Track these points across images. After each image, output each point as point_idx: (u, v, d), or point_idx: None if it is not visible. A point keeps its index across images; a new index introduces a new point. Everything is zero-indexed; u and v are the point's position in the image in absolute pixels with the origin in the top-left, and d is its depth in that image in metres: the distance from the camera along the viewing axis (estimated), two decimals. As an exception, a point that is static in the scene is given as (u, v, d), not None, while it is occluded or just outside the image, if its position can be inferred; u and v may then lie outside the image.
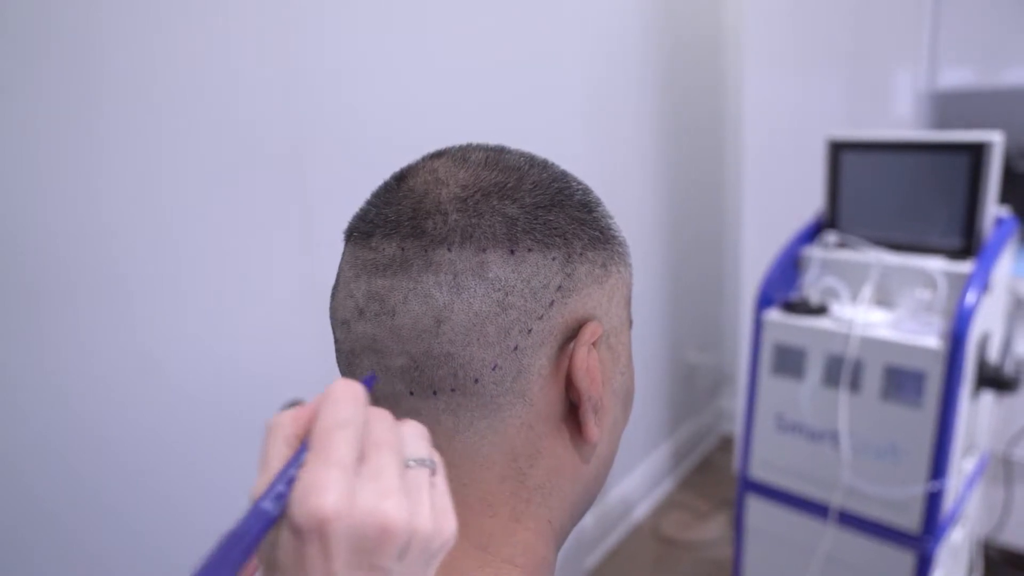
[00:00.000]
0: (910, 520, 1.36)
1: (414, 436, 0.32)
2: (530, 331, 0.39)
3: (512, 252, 0.39)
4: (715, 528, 2.32)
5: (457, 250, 0.38)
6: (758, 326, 1.54)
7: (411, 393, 0.39)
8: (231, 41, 1.11)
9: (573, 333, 0.41)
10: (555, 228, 0.40)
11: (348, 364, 0.42)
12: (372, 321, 0.39)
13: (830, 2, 2.02)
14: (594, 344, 0.41)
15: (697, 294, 2.68)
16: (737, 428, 2.47)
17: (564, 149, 1.84)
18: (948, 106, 2.08)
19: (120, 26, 0.98)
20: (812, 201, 1.73)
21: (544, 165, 0.43)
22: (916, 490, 1.34)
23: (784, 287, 1.58)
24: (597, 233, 0.42)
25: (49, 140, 0.93)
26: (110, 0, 0.96)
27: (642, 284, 2.24)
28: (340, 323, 0.42)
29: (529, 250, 0.39)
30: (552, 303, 0.40)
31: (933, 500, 1.32)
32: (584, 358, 0.40)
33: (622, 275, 0.45)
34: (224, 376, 1.16)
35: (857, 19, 1.99)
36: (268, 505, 0.28)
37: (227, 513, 0.34)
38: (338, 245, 0.44)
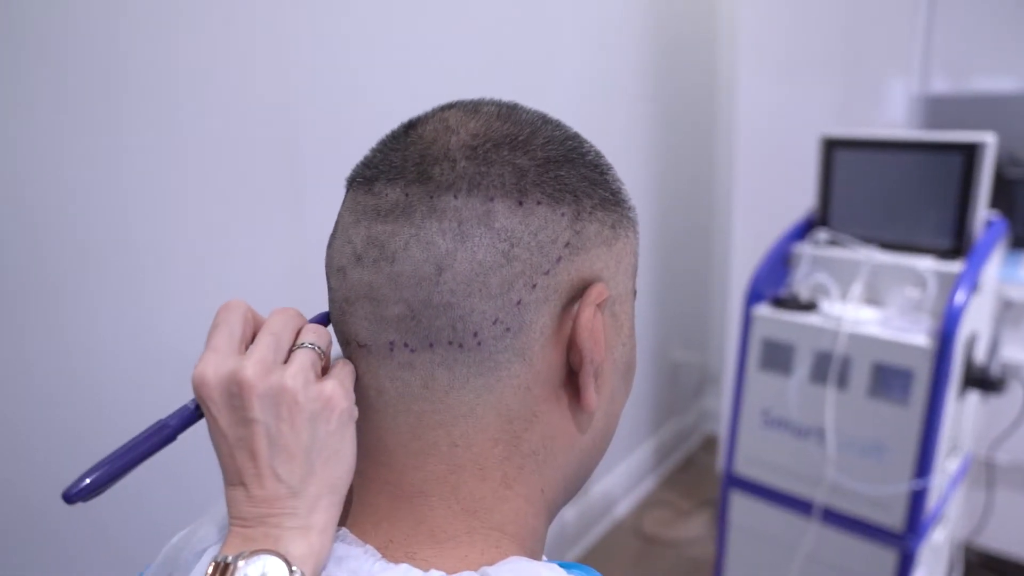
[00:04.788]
0: (893, 518, 1.36)
1: (307, 329, 0.41)
2: (535, 286, 0.38)
3: (520, 203, 0.37)
4: (696, 527, 2.32)
5: (464, 197, 0.37)
6: (747, 320, 1.53)
7: (405, 344, 0.38)
8: (229, 36, 1.09)
9: (578, 293, 0.39)
10: (566, 184, 0.39)
11: (342, 312, 0.40)
12: (370, 267, 0.38)
13: (824, 5, 2.03)
14: (599, 307, 0.40)
15: (684, 292, 2.67)
16: (721, 428, 2.47)
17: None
18: (939, 111, 2.09)
19: (129, 31, 0.96)
20: (802, 200, 1.73)
21: (558, 124, 0.42)
22: (900, 488, 1.34)
23: (774, 283, 1.58)
24: (608, 194, 0.41)
25: (58, 135, 0.93)
26: (128, 10, 0.98)
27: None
28: (336, 270, 0.40)
29: (538, 203, 0.38)
30: (559, 259, 0.38)
31: (917, 498, 1.32)
32: (589, 318, 0.39)
33: (630, 241, 0.43)
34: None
35: (851, 22, 1.99)
36: (188, 402, 0.39)
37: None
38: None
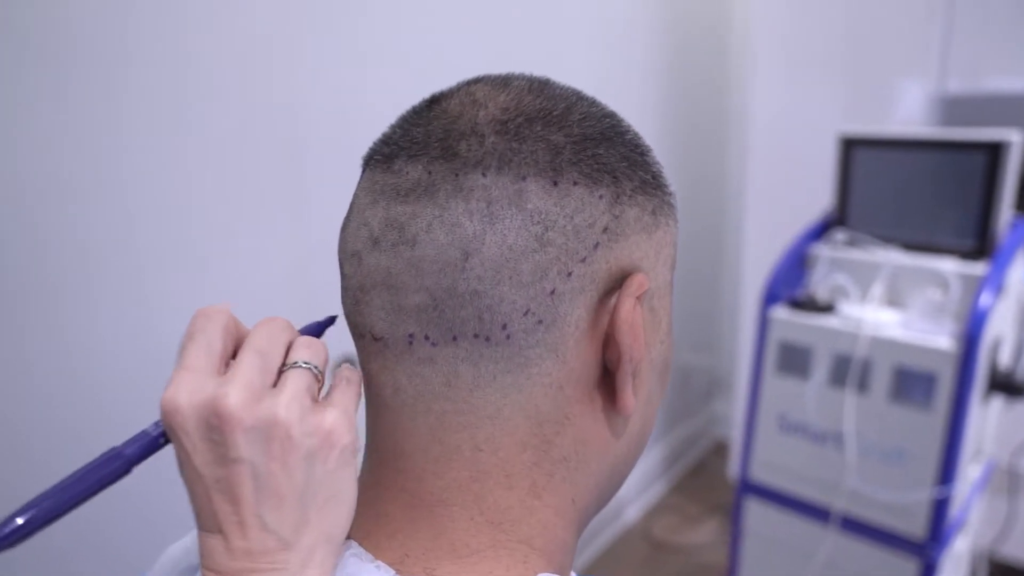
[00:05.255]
0: (915, 526, 1.32)
1: (300, 344, 0.35)
2: (570, 274, 0.34)
3: (555, 184, 0.34)
4: (706, 532, 2.28)
5: (493, 175, 0.33)
6: (763, 323, 1.49)
7: (426, 337, 0.34)
8: (232, 34, 1.06)
9: (616, 284, 0.36)
10: (604, 164, 0.35)
11: (355, 302, 0.36)
12: (388, 252, 0.34)
13: (840, 4, 1.99)
14: (639, 299, 0.36)
15: (693, 294, 2.64)
16: (734, 433, 2.44)
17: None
18: (955, 111, 2.05)
19: (131, 29, 0.94)
20: (815, 200, 1.69)
21: (593, 100, 0.39)
22: (923, 495, 1.29)
23: (790, 285, 1.54)
24: (649, 177, 0.37)
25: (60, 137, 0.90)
26: (131, 8, 0.96)
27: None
28: (350, 255, 0.36)
29: (574, 183, 0.34)
30: (597, 245, 0.34)
31: (940, 506, 1.28)
32: (629, 311, 0.35)
33: (670, 229, 0.39)
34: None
35: (867, 21, 1.96)
36: (150, 427, 0.33)
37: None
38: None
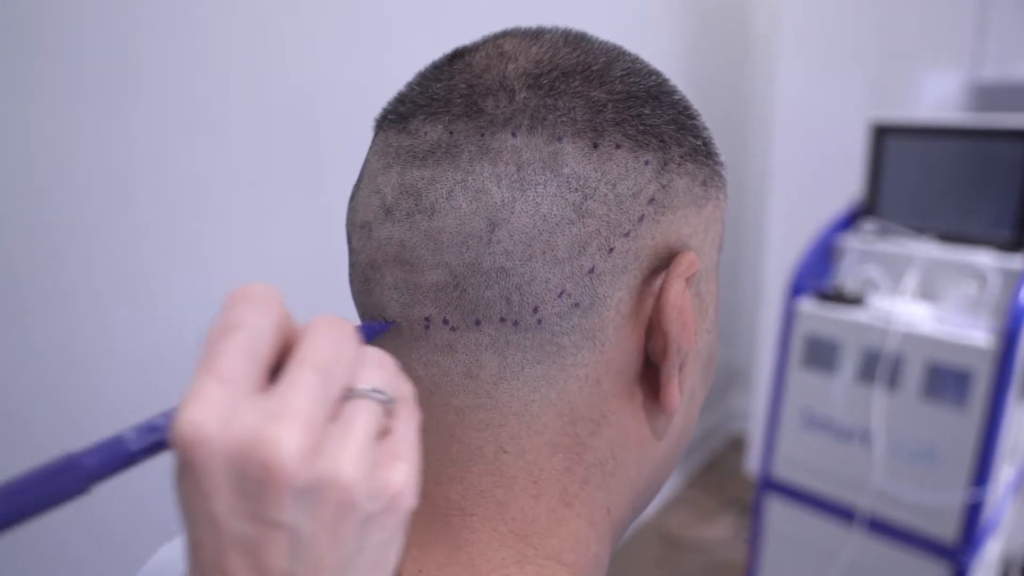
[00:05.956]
0: (945, 529, 1.27)
1: (369, 362, 0.25)
2: (611, 250, 0.29)
3: (595, 146, 0.29)
4: (722, 529, 2.24)
5: (524, 135, 0.29)
6: (789, 315, 1.44)
7: (445, 321, 0.30)
8: (245, 9, 1.02)
9: (662, 264, 0.31)
10: (650, 126, 0.31)
11: (364, 280, 0.32)
12: (402, 222, 0.30)
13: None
14: (687, 281, 0.31)
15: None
16: (753, 427, 2.39)
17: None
18: (991, 98, 1.98)
19: (140, 8, 0.89)
20: (841, 190, 1.64)
21: (637, 57, 0.34)
22: (955, 497, 1.24)
23: (816, 277, 1.49)
24: (700, 143, 0.33)
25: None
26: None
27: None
28: (359, 227, 0.32)
29: (617, 146, 0.29)
30: (642, 218, 0.30)
31: (973, 509, 1.23)
32: (679, 295, 0.31)
33: (720, 204, 0.35)
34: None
35: (898, 4, 1.89)
36: (130, 434, 0.23)
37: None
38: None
